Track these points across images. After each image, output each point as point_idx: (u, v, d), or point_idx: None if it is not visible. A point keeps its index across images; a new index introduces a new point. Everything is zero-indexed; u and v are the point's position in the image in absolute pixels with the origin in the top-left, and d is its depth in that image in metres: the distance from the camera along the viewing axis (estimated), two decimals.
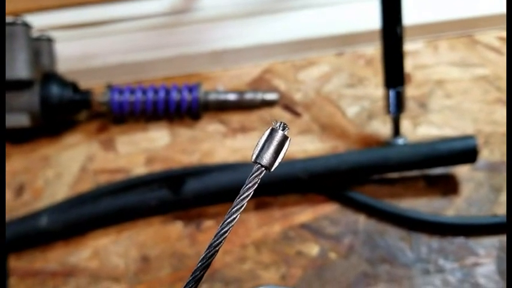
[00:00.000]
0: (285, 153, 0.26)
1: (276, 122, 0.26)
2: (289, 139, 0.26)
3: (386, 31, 0.59)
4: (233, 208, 0.26)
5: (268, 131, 0.26)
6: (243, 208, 0.26)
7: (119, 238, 0.59)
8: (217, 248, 0.26)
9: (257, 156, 0.26)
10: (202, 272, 0.26)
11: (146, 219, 0.60)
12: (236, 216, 0.26)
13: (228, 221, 0.26)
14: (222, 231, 0.26)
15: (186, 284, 0.27)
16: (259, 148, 0.26)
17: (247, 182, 0.26)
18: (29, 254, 0.59)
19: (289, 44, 0.73)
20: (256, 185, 0.26)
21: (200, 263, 0.26)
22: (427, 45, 0.74)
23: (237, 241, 0.58)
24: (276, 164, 0.26)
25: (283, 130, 0.26)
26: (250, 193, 0.26)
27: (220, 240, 0.26)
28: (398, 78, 0.60)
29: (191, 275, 0.27)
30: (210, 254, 0.26)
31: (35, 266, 0.58)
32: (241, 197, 0.26)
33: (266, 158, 0.26)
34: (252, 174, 0.26)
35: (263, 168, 0.26)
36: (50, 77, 0.66)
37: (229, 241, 0.58)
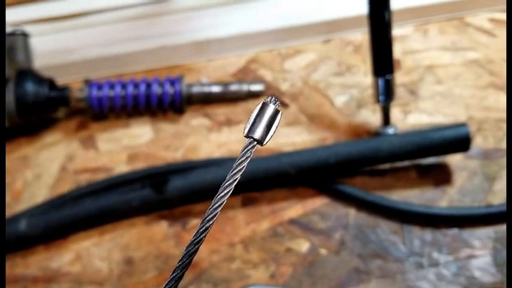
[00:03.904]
0: (276, 127, 0.26)
1: (268, 96, 0.27)
2: (280, 113, 0.27)
3: (373, 17, 0.56)
4: (226, 182, 0.26)
5: (260, 105, 0.26)
6: (236, 181, 0.26)
7: (101, 240, 0.57)
8: (212, 220, 0.26)
9: (249, 130, 0.26)
10: (189, 259, 0.26)
11: (129, 219, 0.58)
12: (229, 191, 0.26)
13: (221, 195, 0.26)
14: (218, 203, 0.26)
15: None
16: (251, 122, 0.26)
17: (239, 156, 0.26)
18: (8, 260, 0.56)
19: (275, 32, 0.71)
20: (249, 159, 0.26)
21: (187, 250, 0.26)
22: (417, 30, 0.72)
23: (225, 239, 0.56)
24: (268, 137, 0.26)
25: (274, 104, 0.26)
26: (244, 167, 0.26)
27: (215, 212, 0.26)
28: (387, 66, 0.58)
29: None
30: (204, 228, 0.26)
31: (15, 271, 0.56)
32: (234, 171, 0.26)
33: (258, 132, 0.26)
34: (245, 148, 0.26)
35: (255, 142, 0.26)
36: (24, 74, 0.63)
37: (217, 240, 0.56)
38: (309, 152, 0.58)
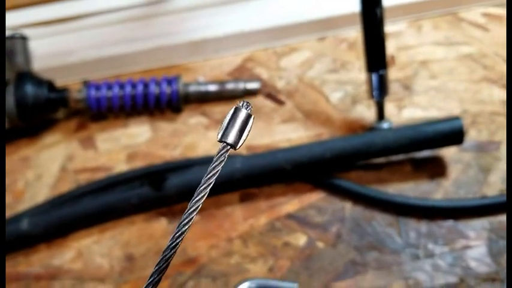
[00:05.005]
0: (249, 131, 0.27)
1: (240, 101, 0.27)
2: (252, 117, 0.27)
3: (365, 14, 0.57)
4: (201, 187, 0.26)
5: (232, 110, 0.27)
6: (210, 186, 0.26)
7: (102, 238, 0.58)
8: (188, 225, 0.26)
9: (222, 135, 0.27)
10: (170, 256, 0.26)
11: (129, 217, 0.58)
12: (204, 195, 0.26)
13: (196, 199, 0.26)
14: (193, 207, 0.26)
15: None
16: (224, 127, 0.27)
17: (214, 160, 0.27)
18: (11, 258, 0.57)
19: (270, 31, 0.72)
20: (223, 163, 0.27)
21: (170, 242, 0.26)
22: (411, 26, 0.73)
23: (223, 235, 0.57)
24: (241, 142, 0.27)
25: (246, 109, 0.27)
26: (218, 170, 0.27)
27: (191, 216, 0.26)
28: (380, 62, 0.58)
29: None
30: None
31: (18, 270, 0.57)
32: (208, 175, 0.26)
33: (231, 137, 0.27)
34: (219, 153, 0.27)
35: (229, 147, 0.27)
36: (24, 76, 0.64)
37: (215, 235, 0.57)
38: (304, 147, 0.58)
